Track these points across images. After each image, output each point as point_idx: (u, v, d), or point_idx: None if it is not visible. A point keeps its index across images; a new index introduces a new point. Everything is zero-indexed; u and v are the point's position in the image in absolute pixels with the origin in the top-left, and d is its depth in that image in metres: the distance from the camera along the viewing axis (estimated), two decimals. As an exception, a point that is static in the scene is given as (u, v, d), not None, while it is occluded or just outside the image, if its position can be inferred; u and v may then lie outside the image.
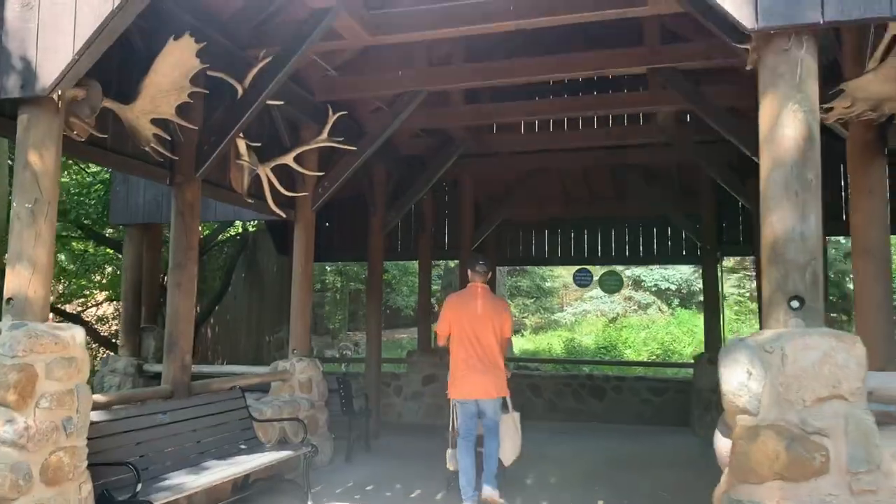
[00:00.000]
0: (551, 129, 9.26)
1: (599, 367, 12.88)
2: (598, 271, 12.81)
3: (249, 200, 6.26)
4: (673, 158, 9.83)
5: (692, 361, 10.52)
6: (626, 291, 23.68)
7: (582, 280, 11.54)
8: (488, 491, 5.22)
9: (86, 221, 11.08)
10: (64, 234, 11.53)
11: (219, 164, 5.78)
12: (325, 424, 6.89)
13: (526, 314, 26.31)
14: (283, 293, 11.09)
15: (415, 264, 13.24)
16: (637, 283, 23.26)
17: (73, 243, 12.57)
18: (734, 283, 21.62)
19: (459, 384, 5.24)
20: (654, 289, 23.38)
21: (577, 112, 8.29)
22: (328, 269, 21.53)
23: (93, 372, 8.86)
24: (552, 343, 20.12)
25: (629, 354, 17.55)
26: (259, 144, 6.18)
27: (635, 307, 23.41)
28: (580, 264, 11.71)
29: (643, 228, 11.21)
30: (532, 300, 26.89)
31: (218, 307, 13.22)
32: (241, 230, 13.53)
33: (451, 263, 16.08)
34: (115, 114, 4.49)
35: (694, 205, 10.04)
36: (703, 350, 10.43)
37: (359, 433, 7.46)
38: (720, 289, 9.61)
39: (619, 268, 13.15)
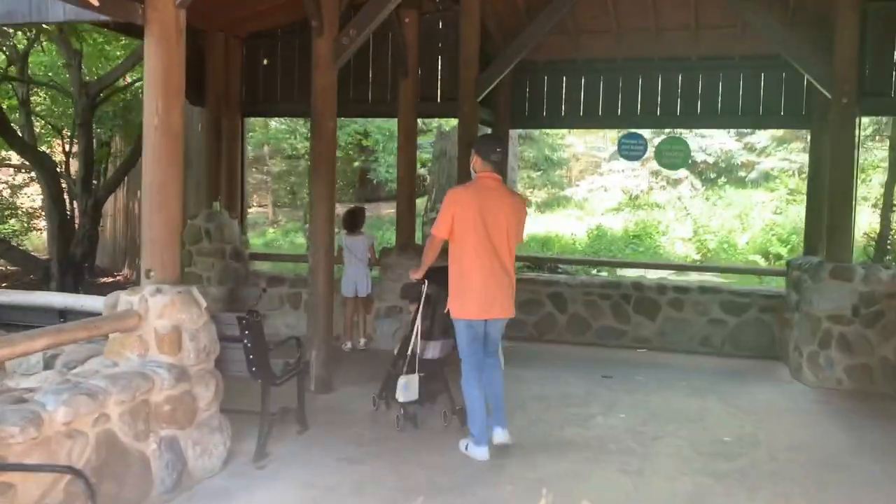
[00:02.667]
0: None
1: (634, 268, 9.90)
2: (648, 138, 9.36)
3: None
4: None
5: (787, 268, 7.55)
6: (652, 163, 20.44)
7: (632, 149, 8.31)
8: (502, 435, 4.46)
9: None
10: None
11: None
12: (213, 405, 3.92)
13: (531, 189, 23.16)
14: (214, 159, 7.90)
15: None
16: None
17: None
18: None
19: (473, 300, 4.27)
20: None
21: None
22: (283, 126, 17.99)
23: None
24: (566, 227, 17.10)
25: (666, 250, 14.40)
26: None
27: (662, 183, 20.25)
28: (631, 126, 8.44)
29: (734, 73, 7.90)
30: (539, 173, 23.68)
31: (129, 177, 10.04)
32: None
33: (447, 124, 12.62)
34: None
35: (822, 37, 6.69)
36: (802, 251, 7.48)
37: (283, 409, 4.54)
38: (855, 163, 6.44)
39: (684, 133, 9.88)
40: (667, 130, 12.17)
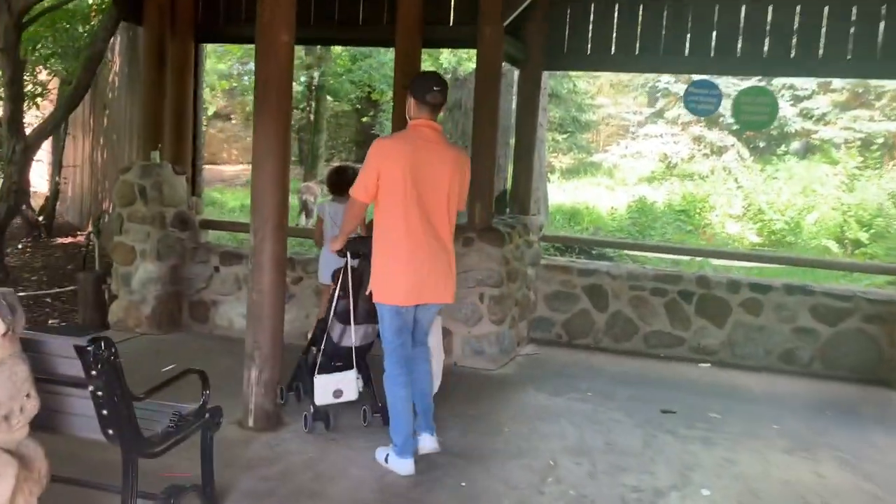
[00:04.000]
0: None
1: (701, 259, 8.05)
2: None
3: None
4: None
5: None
6: (695, 128, 18.45)
7: (701, 102, 6.41)
8: (431, 442, 3.81)
9: None
10: None
11: None
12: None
13: (555, 154, 21.24)
14: (155, 95, 6.16)
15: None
16: (712, 118, 17.86)
17: None
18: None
19: (402, 281, 3.50)
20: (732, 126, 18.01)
21: None
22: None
23: None
24: (595, 197, 15.22)
25: (716, 230, 12.39)
26: None
27: (706, 150, 18.26)
28: (701, 71, 6.56)
29: (843, 5, 5.98)
30: (565, 136, 21.74)
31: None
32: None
33: (463, 64, 10.66)
34: None
35: None
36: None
37: (173, 487, 2.87)
38: None
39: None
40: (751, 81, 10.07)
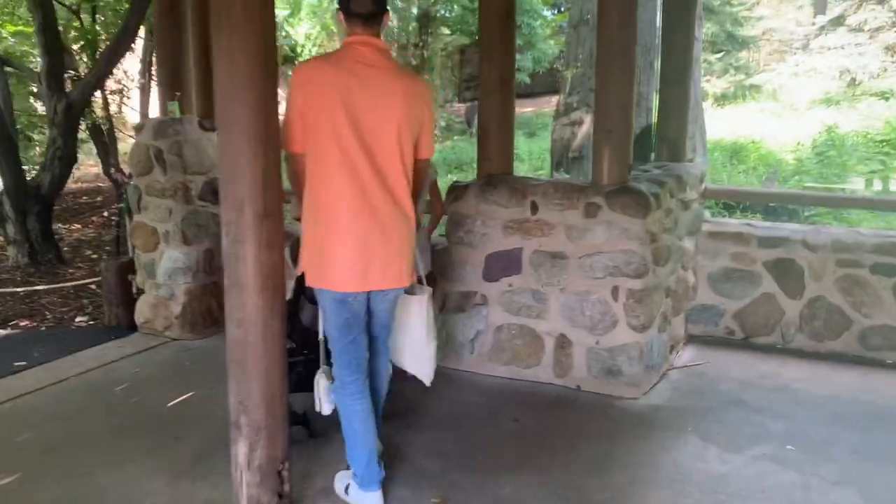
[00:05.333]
0: None
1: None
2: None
3: None
4: None
5: None
6: (888, 34, 15.17)
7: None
8: None
9: None
10: None
11: None
12: None
13: (707, 77, 18.45)
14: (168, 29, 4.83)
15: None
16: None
17: None
18: None
19: (340, 259, 2.57)
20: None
21: None
22: None
23: None
24: (759, 127, 12.64)
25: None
26: None
27: (901, 63, 15.01)
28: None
29: None
30: (719, 55, 18.90)
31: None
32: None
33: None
34: None
35: None
36: None
37: None
38: None
39: None
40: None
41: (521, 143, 13.19)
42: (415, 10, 16.06)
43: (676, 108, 4.82)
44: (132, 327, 4.91)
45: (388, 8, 2.68)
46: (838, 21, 17.36)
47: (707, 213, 5.24)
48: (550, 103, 15.02)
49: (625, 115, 3.85)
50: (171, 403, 3.75)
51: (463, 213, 4.11)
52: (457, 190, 4.15)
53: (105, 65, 6.85)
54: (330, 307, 2.65)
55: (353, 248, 2.54)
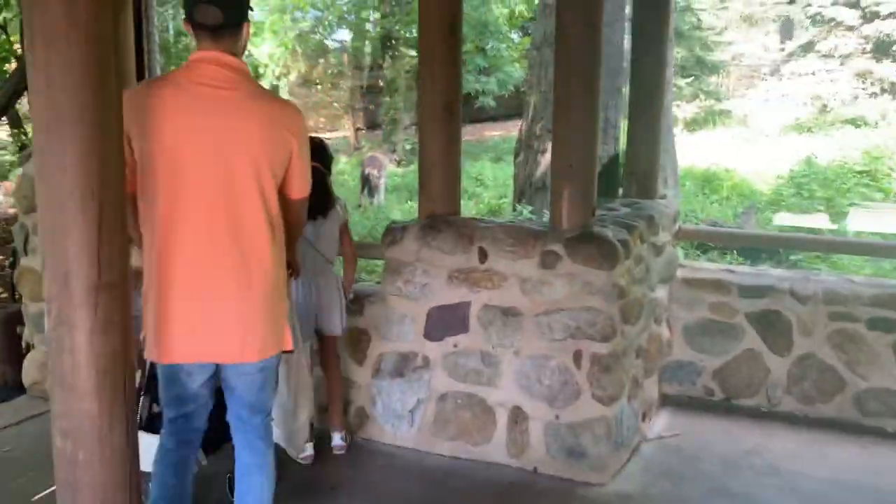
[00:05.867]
0: None
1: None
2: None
3: None
4: None
5: None
6: (858, 61, 15.01)
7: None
8: None
9: None
10: None
11: None
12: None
13: (678, 102, 18.18)
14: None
15: None
16: (880, 46, 14.31)
17: None
18: None
19: (164, 321, 2.14)
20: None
21: None
22: None
23: None
24: (729, 154, 12.26)
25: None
26: None
27: (874, 88, 14.79)
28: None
29: None
30: (688, 80, 18.65)
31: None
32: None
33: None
34: None
35: None
36: None
37: None
38: None
39: None
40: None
41: (486, 169, 12.69)
42: (371, 28, 15.56)
43: (647, 138, 4.29)
44: (20, 388, 4.22)
45: (248, 19, 2.19)
46: (808, 47, 17.22)
47: (679, 253, 4.71)
48: (518, 127, 14.58)
49: (588, 147, 3.29)
50: (39, 496, 3.08)
51: (401, 259, 3.51)
52: (394, 232, 3.55)
53: (17, 83, 6.17)
54: (162, 379, 2.31)
55: (186, 311, 2.11)
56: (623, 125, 4.86)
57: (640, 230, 3.53)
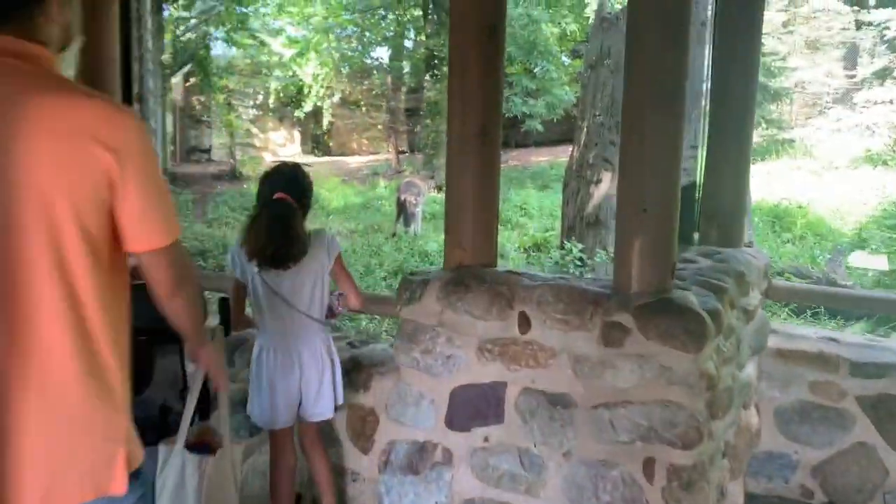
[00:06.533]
0: None
1: None
2: None
3: None
4: None
5: None
6: (941, 90, 13.91)
7: None
8: None
9: None
10: None
11: None
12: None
13: (737, 130, 17.23)
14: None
15: None
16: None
17: None
18: None
19: None
20: None
21: None
22: None
23: None
24: (797, 187, 11.31)
25: None
26: None
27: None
28: None
29: None
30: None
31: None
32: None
33: None
34: None
35: None
36: None
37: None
38: None
39: None
40: None
41: (531, 198, 11.93)
42: (410, 47, 14.99)
43: (733, 172, 3.50)
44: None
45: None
46: (882, 73, 16.12)
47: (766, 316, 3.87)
48: (568, 152, 13.82)
49: (668, 187, 2.50)
50: None
51: (420, 322, 2.77)
52: (411, 287, 2.80)
53: None
54: None
55: None
56: (700, 154, 4.04)
57: (730, 294, 2.73)
